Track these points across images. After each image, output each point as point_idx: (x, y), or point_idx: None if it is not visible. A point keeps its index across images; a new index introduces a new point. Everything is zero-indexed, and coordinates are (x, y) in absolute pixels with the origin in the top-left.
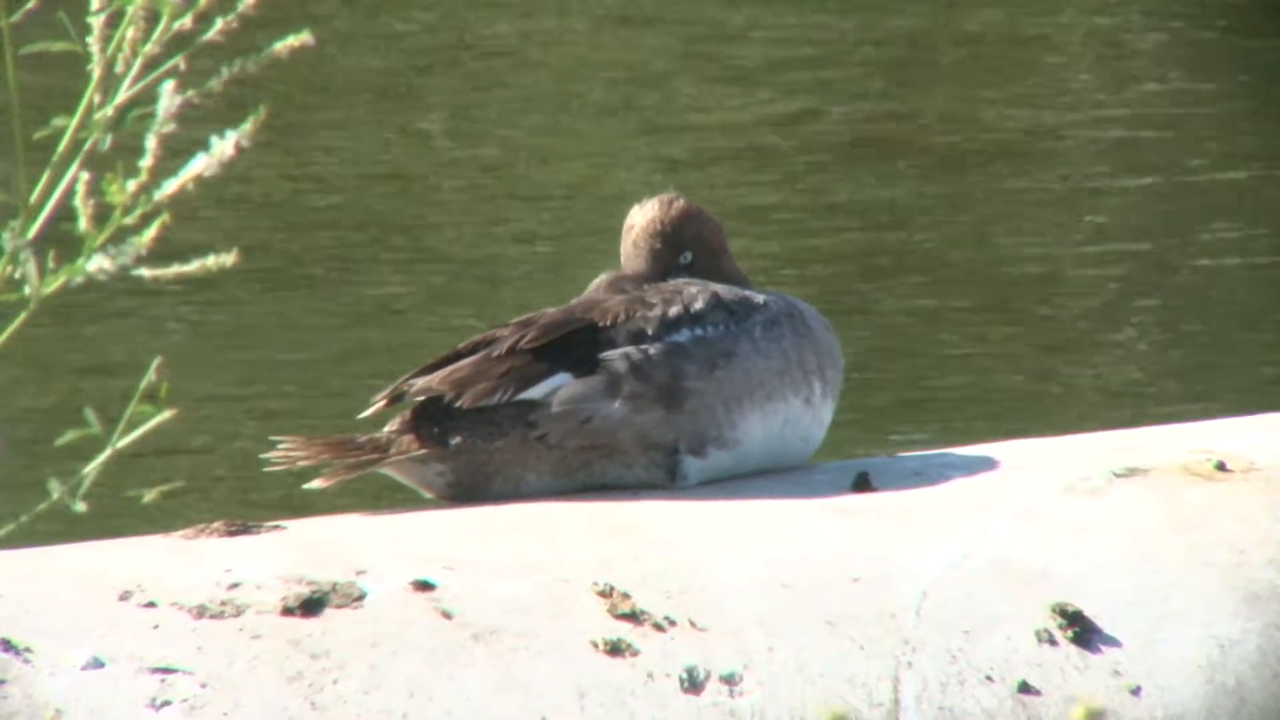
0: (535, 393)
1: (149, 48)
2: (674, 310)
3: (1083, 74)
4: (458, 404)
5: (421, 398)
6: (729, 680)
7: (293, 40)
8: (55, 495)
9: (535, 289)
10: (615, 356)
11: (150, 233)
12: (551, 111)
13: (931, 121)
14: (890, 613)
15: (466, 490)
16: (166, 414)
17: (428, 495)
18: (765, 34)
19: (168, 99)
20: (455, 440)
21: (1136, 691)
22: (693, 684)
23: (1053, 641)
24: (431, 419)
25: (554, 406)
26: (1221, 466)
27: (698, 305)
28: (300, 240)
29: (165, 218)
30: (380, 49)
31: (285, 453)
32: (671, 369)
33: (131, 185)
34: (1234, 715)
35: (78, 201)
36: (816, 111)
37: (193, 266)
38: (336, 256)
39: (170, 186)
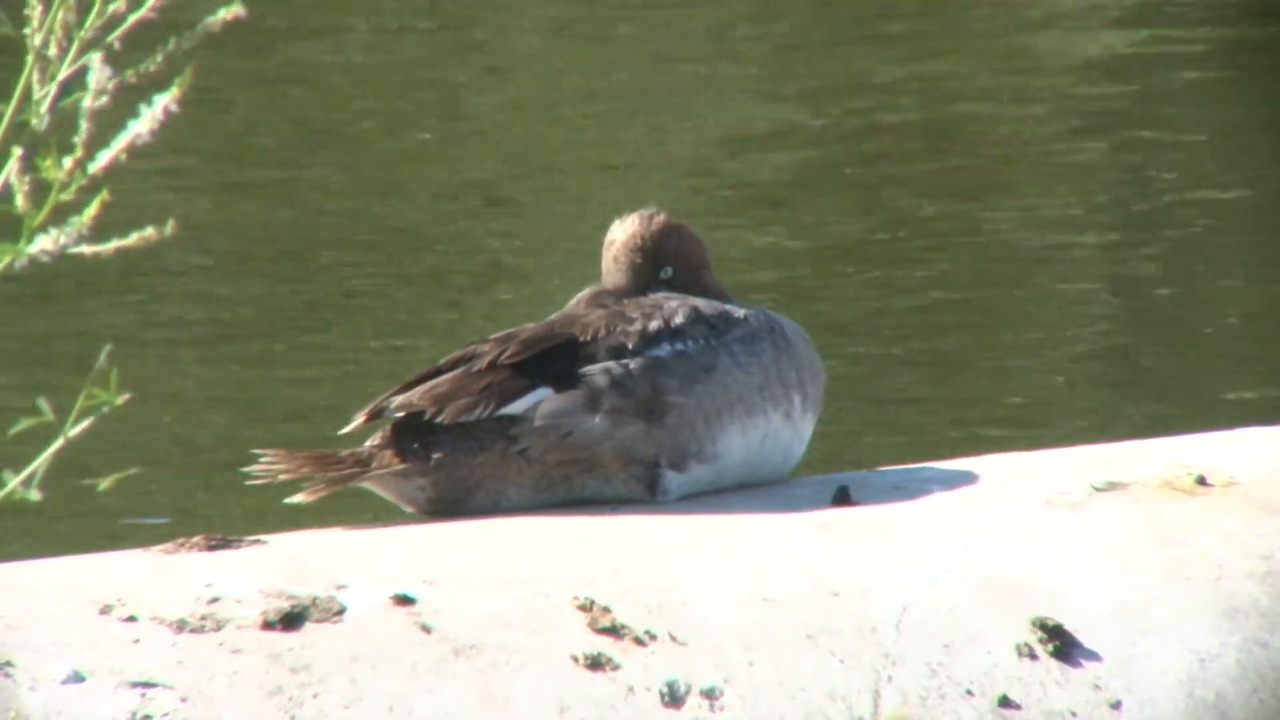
0: (516, 408)
1: (84, 32)
2: (654, 325)
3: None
4: (439, 419)
5: (402, 413)
6: (709, 694)
7: (224, 13)
8: (9, 485)
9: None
10: (596, 371)
11: (91, 210)
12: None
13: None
14: (871, 626)
15: (447, 505)
16: (118, 399)
17: (409, 510)
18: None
19: (98, 71)
20: (436, 455)
21: (1117, 706)
22: (673, 698)
23: (1033, 655)
24: (412, 434)
25: (535, 421)
26: (1202, 481)
27: (678, 320)
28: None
29: (104, 194)
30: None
31: (267, 466)
32: (652, 384)
33: (67, 162)
34: None
35: (12, 178)
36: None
37: (131, 239)
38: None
39: (104, 158)
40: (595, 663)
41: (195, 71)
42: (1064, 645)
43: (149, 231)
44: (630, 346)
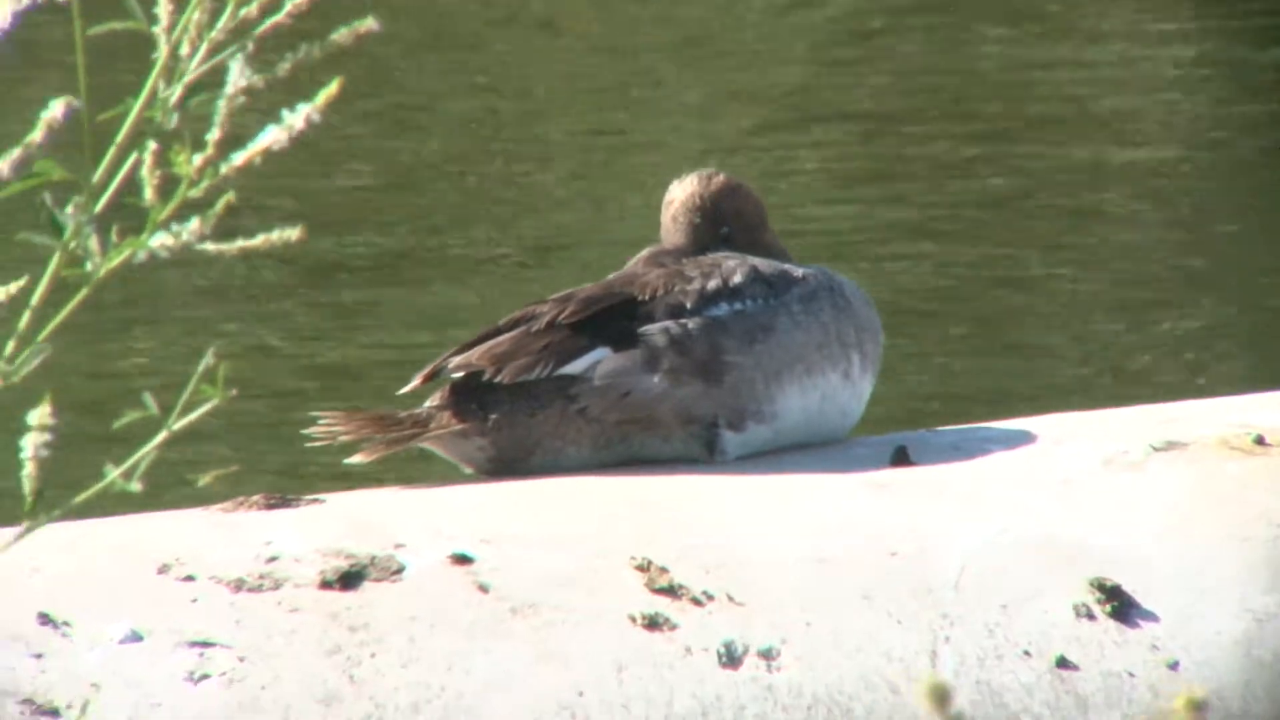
0: (575, 367)
1: (214, 33)
2: (712, 284)
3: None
4: (498, 379)
5: (461, 374)
6: (766, 655)
7: (357, 26)
8: (110, 476)
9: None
10: (654, 331)
11: (217, 208)
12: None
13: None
14: (928, 587)
15: (506, 464)
16: (226, 394)
17: (468, 470)
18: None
19: (237, 71)
20: (495, 415)
21: (1174, 666)
22: (730, 658)
23: (1090, 616)
24: (471, 394)
25: (594, 380)
26: (1260, 441)
27: (736, 279)
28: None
29: (230, 195)
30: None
31: (326, 427)
32: (710, 343)
33: (198, 159)
34: (1271, 689)
35: (143, 172)
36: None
37: (257, 241)
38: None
39: (239, 159)
40: (652, 622)
41: (341, 84)
42: (1122, 605)
43: (275, 234)
44: (689, 306)
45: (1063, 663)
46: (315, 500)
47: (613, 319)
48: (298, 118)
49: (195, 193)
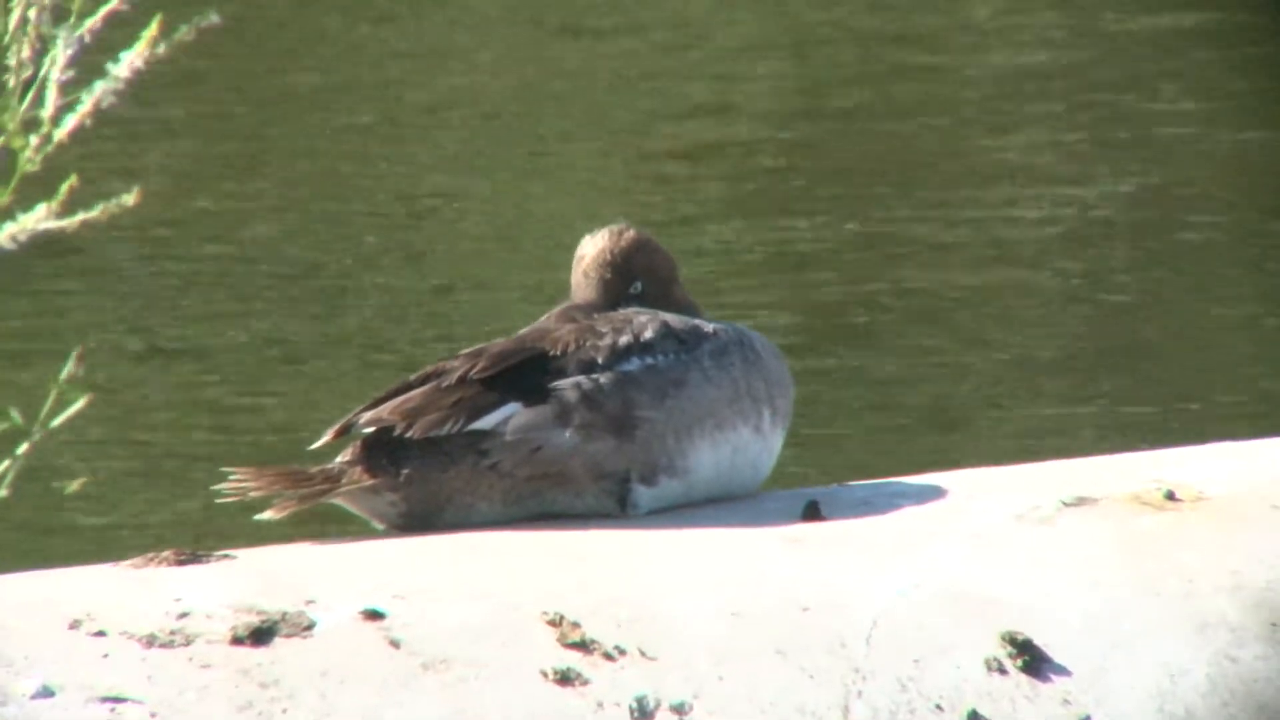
0: (486, 422)
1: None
2: (624, 339)
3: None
4: (409, 434)
5: (372, 429)
6: (679, 709)
7: (199, 22)
8: None
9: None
10: (566, 386)
11: (60, 195)
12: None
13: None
14: (840, 641)
15: (418, 520)
16: (83, 400)
17: (379, 525)
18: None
19: (65, 41)
20: (406, 470)
21: None
22: (643, 713)
23: (1003, 670)
24: (382, 449)
25: (505, 436)
26: (1171, 496)
27: (648, 334)
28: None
29: (73, 179)
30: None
31: (237, 484)
32: (622, 398)
33: (34, 139)
34: None
35: None
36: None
37: (96, 212)
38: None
39: (70, 122)
40: (565, 677)
41: (161, 26)
42: (1034, 660)
43: (112, 203)
44: (600, 361)
45: (975, 717)
46: (226, 556)
47: (524, 374)
48: (122, 68)
49: (32, 168)
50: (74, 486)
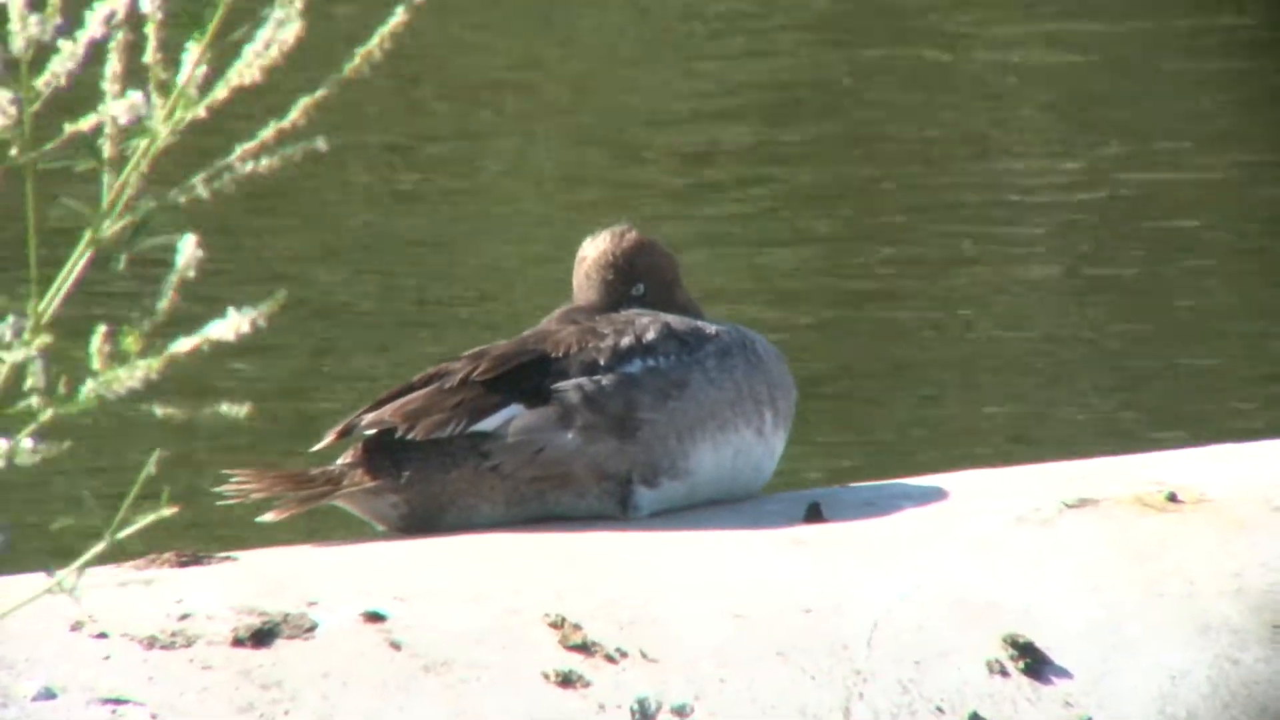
0: (488, 424)
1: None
2: (626, 341)
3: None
4: (410, 436)
5: (374, 431)
6: (680, 711)
7: (305, 146)
8: (49, 584)
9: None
10: (568, 387)
11: (158, 364)
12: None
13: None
14: (842, 643)
15: (420, 521)
16: (166, 511)
17: (380, 527)
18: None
19: (188, 250)
20: (408, 472)
21: None
22: (644, 715)
23: (1004, 672)
24: (384, 451)
25: (507, 438)
26: (1173, 498)
27: (650, 336)
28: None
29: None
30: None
31: (239, 486)
32: (624, 400)
33: (145, 327)
34: None
35: (93, 349)
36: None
37: (205, 413)
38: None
39: (184, 345)
40: (566, 680)
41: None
42: (1035, 662)
43: (223, 407)
44: (602, 363)
45: (976, 719)
46: (228, 558)
47: (526, 376)
48: (243, 320)
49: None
50: (60, 524)
